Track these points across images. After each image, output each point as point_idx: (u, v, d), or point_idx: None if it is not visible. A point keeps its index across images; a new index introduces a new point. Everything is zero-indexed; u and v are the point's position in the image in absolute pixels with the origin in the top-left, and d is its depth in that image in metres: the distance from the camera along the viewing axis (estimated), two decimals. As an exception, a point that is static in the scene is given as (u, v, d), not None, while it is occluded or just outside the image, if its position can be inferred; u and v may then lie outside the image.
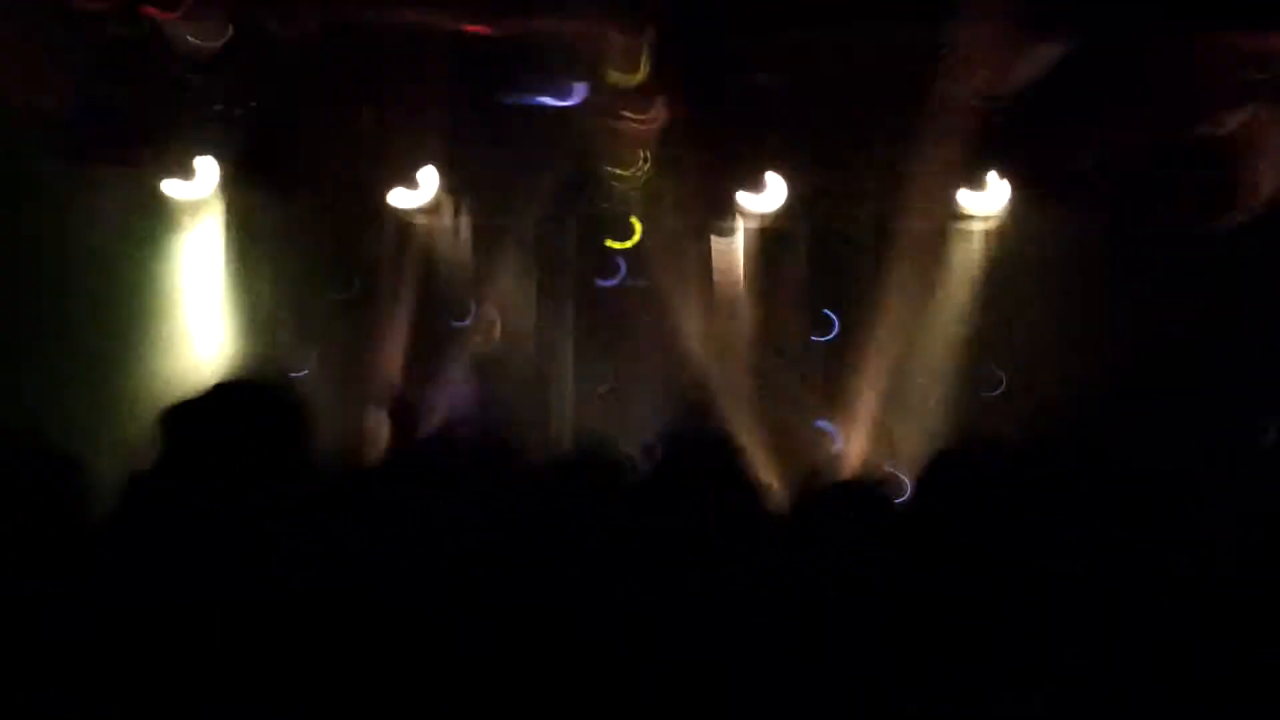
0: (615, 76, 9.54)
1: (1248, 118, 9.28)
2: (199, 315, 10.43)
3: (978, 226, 11.28)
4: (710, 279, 11.27)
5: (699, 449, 2.73)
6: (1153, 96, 9.19)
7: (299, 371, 10.24)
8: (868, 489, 3.10)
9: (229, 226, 10.62)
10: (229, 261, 10.61)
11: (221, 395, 2.91)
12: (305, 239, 10.67)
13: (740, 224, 11.16)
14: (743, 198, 10.86)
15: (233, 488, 2.56)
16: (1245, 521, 2.80)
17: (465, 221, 10.99)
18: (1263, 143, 9.39)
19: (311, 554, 2.50)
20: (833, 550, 2.84)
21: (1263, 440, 9.23)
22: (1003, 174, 10.55)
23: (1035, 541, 2.58)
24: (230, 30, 9.11)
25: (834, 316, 11.32)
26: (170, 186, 10.28)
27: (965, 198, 11.02)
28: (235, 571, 2.32)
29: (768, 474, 8.83)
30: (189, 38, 9.00)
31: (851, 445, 10.68)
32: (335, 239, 10.72)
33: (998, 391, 11.07)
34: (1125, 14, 7.97)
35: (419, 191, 10.65)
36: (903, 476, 9.02)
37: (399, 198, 10.63)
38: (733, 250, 11.25)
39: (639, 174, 10.60)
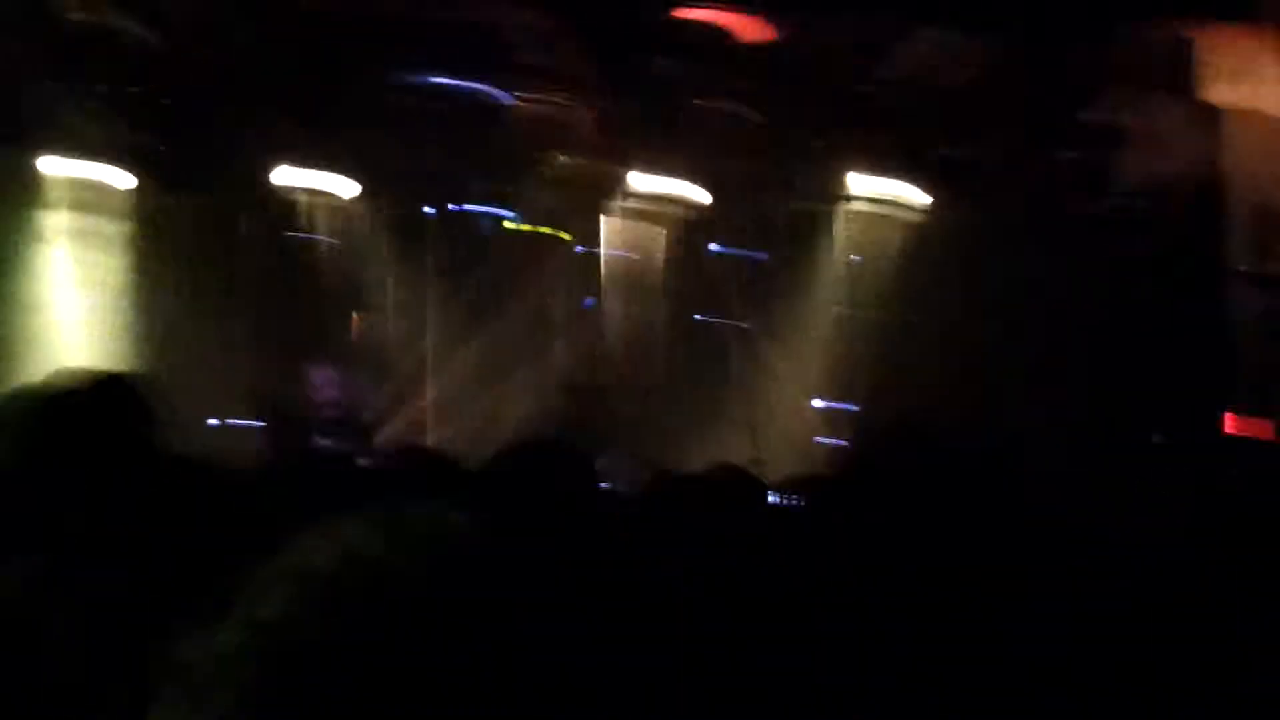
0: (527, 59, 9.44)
1: (1116, 107, 9.44)
2: (69, 305, 10.08)
3: (861, 211, 11.35)
4: (609, 264, 11.22)
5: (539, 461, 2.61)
6: (1028, 87, 9.30)
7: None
8: (722, 484, 3.03)
9: (109, 214, 10.29)
10: (105, 252, 10.27)
11: (57, 389, 2.76)
12: (189, 228, 10.37)
13: (629, 207, 11.12)
14: (652, 182, 10.79)
15: (67, 483, 2.42)
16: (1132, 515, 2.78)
17: (361, 209, 10.79)
18: (1132, 131, 9.55)
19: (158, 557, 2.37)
20: (688, 548, 2.76)
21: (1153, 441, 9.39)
22: (887, 158, 10.61)
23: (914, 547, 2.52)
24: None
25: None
26: (49, 165, 9.88)
27: (853, 182, 11.09)
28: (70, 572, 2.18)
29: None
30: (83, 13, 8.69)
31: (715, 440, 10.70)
32: (222, 227, 10.42)
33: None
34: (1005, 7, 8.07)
35: (311, 176, 10.42)
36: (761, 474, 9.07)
37: (288, 180, 10.39)
38: (637, 235, 11.20)
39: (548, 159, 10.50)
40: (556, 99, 10.02)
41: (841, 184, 11.16)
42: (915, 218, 10.99)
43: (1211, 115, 8.70)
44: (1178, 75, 8.90)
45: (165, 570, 2.37)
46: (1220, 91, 8.58)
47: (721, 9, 9.32)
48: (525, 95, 9.99)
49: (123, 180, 9.99)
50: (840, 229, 11.34)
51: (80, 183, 10.08)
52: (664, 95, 9.90)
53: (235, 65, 9.31)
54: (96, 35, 8.93)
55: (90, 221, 10.27)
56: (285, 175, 10.46)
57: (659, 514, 2.83)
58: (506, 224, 10.94)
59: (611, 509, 2.75)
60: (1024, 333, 10.25)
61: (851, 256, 11.30)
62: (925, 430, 2.66)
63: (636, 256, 11.20)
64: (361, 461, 8.99)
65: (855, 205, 11.30)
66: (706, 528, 2.79)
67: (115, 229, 10.31)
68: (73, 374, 2.83)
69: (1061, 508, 2.79)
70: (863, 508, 2.61)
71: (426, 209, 10.91)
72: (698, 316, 11.37)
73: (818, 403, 11.03)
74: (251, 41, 9.20)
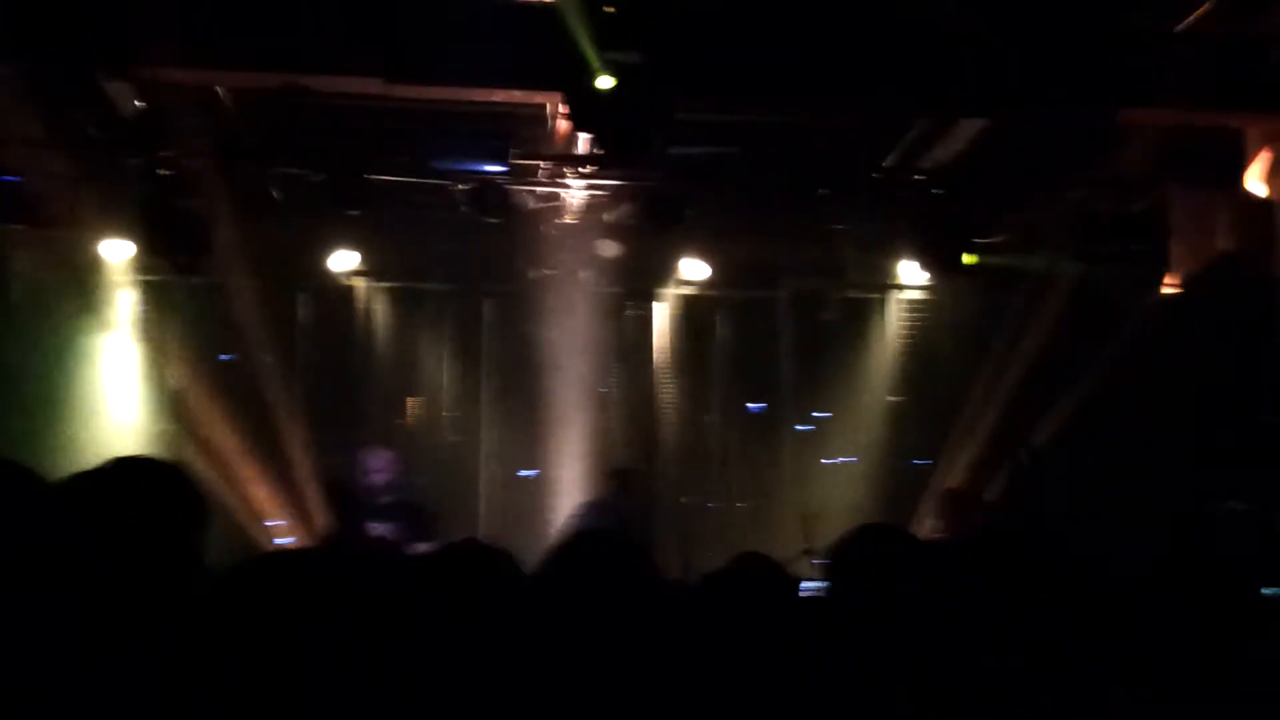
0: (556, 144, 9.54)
1: (1159, 197, 9.44)
2: (116, 382, 10.25)
3: (906, 299, 11.38)
4: (642, 347, 11.25)
5: (599, 549, 2.60)
6: (1070, 175, 9.32)
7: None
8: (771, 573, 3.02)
9: (147, 294, 10.48)
10: (147, 331, 10.46)
11: (123, 470, 2.81)
12: (223, 310, 10.53)
13: (673, 292, 11.18)
14: (682, 265, 10.85)
15: (121, 567, 2.46)
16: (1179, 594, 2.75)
17: (386, 292, 10.91)
18: (1175, 221, 9.53)
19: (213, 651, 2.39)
20: (743, 638, 2.75)
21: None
22: (929, 248, 10.62)
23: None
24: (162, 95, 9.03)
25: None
26: (107, 249, 10.13)
27: (898, 269, 11.13)
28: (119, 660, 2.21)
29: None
30: (133, 101, 8.88)
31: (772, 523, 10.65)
32: (258, 308, 10.56)
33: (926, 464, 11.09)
34: (1041, 93, 8.09)
35: (343, 260, 10.57)
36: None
37: (325, 265, 10.55)
38: (666, 318, 11.25)
39: (568, 242, 10.58)
40: (600, 183, 10.12)
41: (891, 271, 11.21)
42: (965, 305, 10.99)
43: (1263, 209, 8.67)
44: (1228, 168, 8.88)
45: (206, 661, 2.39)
46: (1271, 185, 8.54)
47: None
48: (565, 182, 10.09)
49: (174, 266, 10.17)
50: (890, 316, 11.37)
51: (135, 268, 10.29)
52: (706, 180, 9.98)
53: (279, 151, 9.49)
54: (153, 121, 9.11)
55: (145, 308, 10.47)
56: (340, 261, 10.61)
57: (697, 610, 2.83)
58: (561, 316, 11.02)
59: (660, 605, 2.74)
60: (1076, 418, 10.20)
61: (903, 343, 11.31)
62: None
63: (685, 342, 11.24)
64: (420, 548, 9.07)
65: (904, 293, 11.34)
66: (735, 622, 2.78)
67: (169, 315, 10.50)
68: (130, 460, 2.87)
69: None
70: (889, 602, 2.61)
71: (481, 294, 11.01)
72: (750, 406, 11.38)
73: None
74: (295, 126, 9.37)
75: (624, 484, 9.60)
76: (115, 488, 2.74)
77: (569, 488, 10.38)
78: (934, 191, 10.11)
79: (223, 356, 10.50)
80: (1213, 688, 2.29)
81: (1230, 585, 2.48)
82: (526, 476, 10.73)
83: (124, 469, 2.82)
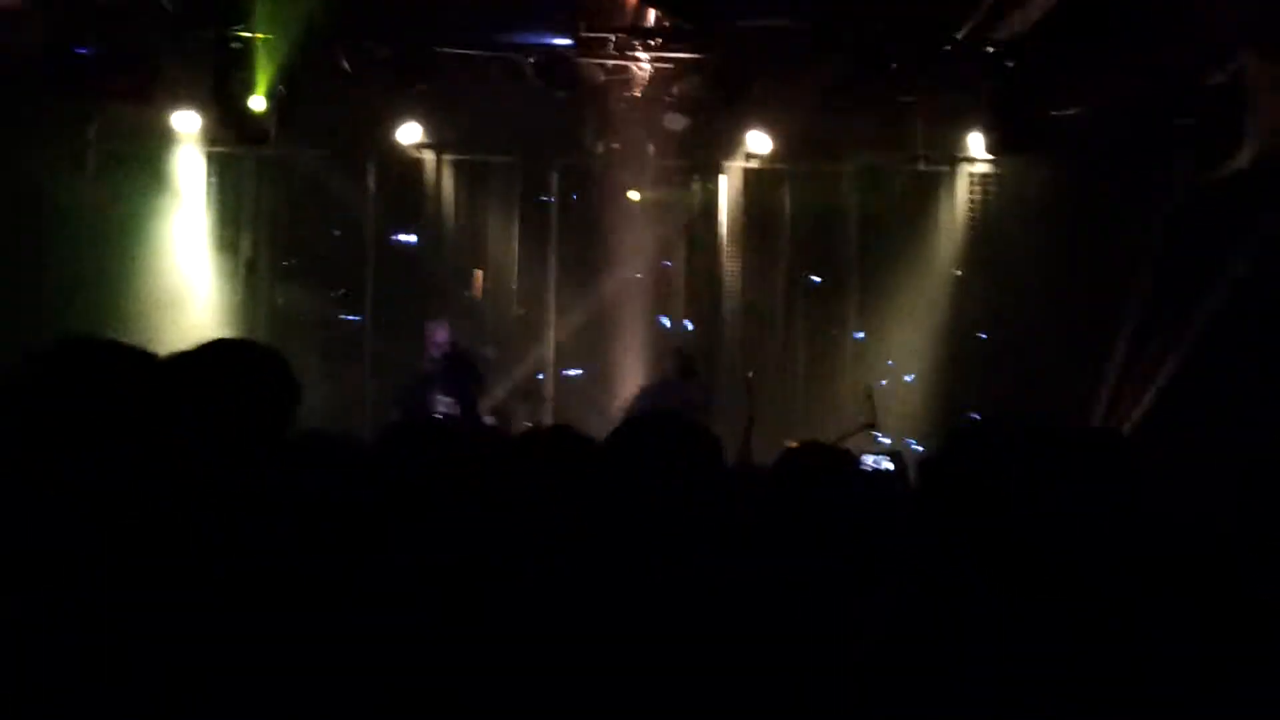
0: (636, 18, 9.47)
1: (1239, 69, 9.23)
2: (186, 253, 10.42)
3: (975, 172, 11.27)
4: (709, 220, 11.25)
5: (659, 428, 2.64)
6: (1147, 46, 9.13)
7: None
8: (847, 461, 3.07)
9: (217, 167, 10.59)
10: (216, 203, 10.59)
11: (216, 353, 2.90)
12: (292, 183, 10.64)
13: (740, 165, 11.13)
14: (749, 138, 10.79)
15: (222, 448, 2.57)
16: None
17: (453, 165, 10.95)
18: (1255, 94, 9.33)
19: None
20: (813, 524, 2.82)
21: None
22: (1001, 121, 10.49)
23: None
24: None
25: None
26: (179, 121, 10.24)
27: (968, 142, 11.01)
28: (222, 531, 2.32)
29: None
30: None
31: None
32: (325, 182, 10.66)
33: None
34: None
35: (410, 133, 10.60)
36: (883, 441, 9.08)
37: (389, 139, 10.59)
38: (732, 191, 11.22)
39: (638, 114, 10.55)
40: (668, 58, 10.06)
41: (959, 144, 11.09)
42: (1033, 180, 10.87)
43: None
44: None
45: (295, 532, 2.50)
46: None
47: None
48: (633, 56, 10.03)
49: (244, 138, 10.26)
50: (959, 190, 11.28)
51: (206, 140, 10.39)
52: (775, 52, 9.87)
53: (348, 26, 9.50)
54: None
55: (218, 177, 10.59)
56: (410, 133, 10.65)
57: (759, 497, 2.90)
58: (628, 190, 11.00)
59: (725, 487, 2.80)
60: (1131, 302, 10.14)
61: (968, 219, 11.24)
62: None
63: (750, 217, 11.22)
64: (487, 420, 9.24)
65: (971, 167, 11.23)
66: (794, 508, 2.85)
67: (241, 184, 10.62)
68: (223, 343, 2.96)
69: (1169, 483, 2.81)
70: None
71: (550, 169, 11.03)
72: (814, 278, 11.37)
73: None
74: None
75: (681, 366, 9.67)
76: (214, 369, 2.83)
77: (632, 361, 10.50)
78: (1007, 64, 9.97)
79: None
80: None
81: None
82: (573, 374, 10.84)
83: (222, 351, 2.91)
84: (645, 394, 9.47)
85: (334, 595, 2.32)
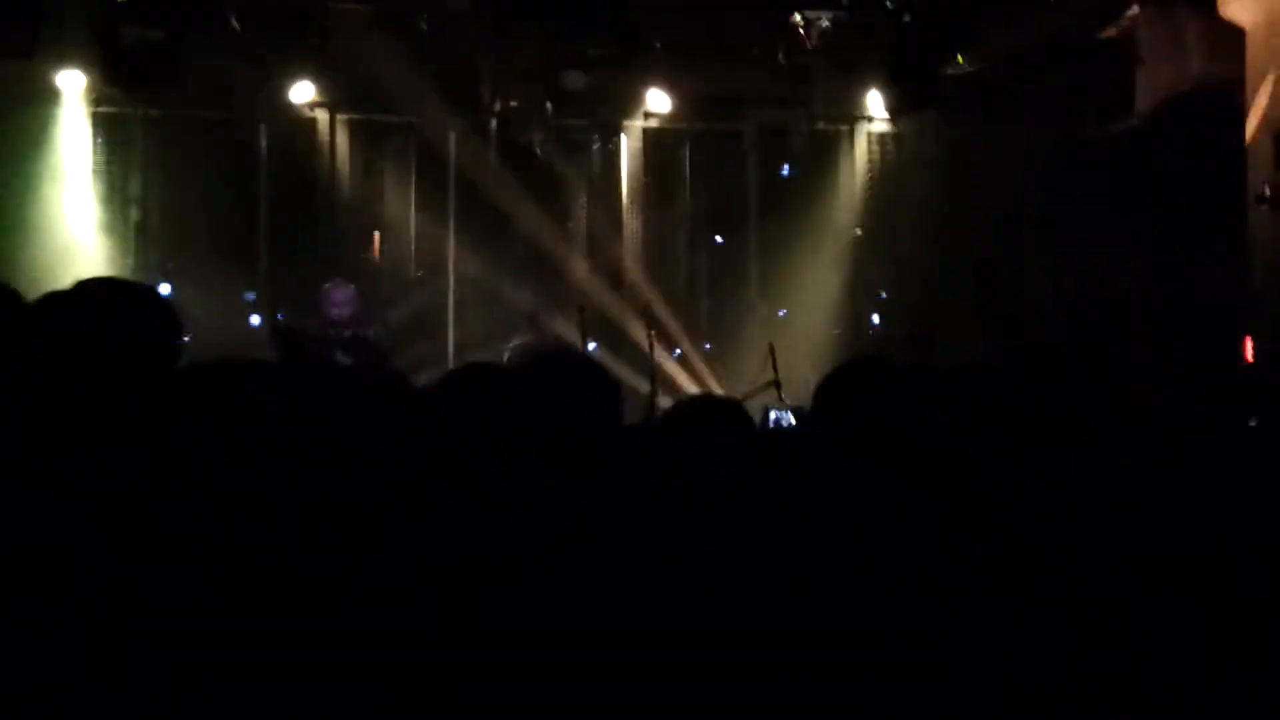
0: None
1: (1131, 22, 9.33)
2: (74, 216, 10.14)
3: (874, 131, 11.31)
4: (609, 179, 11.18)
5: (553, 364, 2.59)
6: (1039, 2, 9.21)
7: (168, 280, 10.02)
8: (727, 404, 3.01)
9: (104, 127, 10.30)
10: (103, 164, 10.30)
11: (88, 292, 2.78)
12: (182, 143, 10.37)
13: (640, 124, 11.07)
14: (650, 97, 10.73)
15: (97, 385, 2.46)
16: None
17: (347, 125, 10.74)
18: (1148, 47, 9.44)
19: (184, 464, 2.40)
20: (699, 467, 2.76)
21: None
22: (898, 79, 10.54)
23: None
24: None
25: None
26: (63, 80, 9.93)
27: (867, 101, 11.04)
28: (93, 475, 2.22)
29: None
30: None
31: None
32: (215, 142, 10.40)
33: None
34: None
35: (301, 92, 10.38)
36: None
37: (281, 98, 10.36)
38: (632, 150, 11.15)
39: (536, 72, 10.43)
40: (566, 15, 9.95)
41: (858, 103, 11.12)
42: (930, 137, 10.94)
43: (1233, 32, 8.60)
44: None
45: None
46: (1244, 10, 8.46)
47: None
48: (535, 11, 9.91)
49: (135, 95, 9.98)
50: (857, 149, 11.31)
51: (91, 99, 10.11)
52: (674, 9, 9.82)
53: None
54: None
55: (105, 137, 10.30)
56: (303, 92, 10.42)
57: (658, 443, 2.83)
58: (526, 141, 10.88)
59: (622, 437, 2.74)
60: (1031, 253, 10.24)
61: (867, 178, 11.29)
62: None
63: (651, 177, 11.17)
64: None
65: (870, 126, 11.26)
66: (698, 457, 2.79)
67: (129, 145, 10.35)
68: (98, 281, 2.86)
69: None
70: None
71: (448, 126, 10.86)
72: (716, 238, 11.35)
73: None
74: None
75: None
76: (89, 306, 2.73)
77: (535, 319, 10.39)
78: (904, 20, 10.00)
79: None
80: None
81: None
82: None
83: (92, 290, 2.80)
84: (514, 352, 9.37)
85: (333, 594, 2.24)
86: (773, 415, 8.32)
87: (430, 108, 10.56)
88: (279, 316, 9.47)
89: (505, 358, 9.17)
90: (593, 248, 11.16)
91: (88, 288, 2.81)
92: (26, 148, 9.98)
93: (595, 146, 11.21)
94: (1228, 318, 8.53)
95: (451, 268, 10.88)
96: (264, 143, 10.58)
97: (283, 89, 10.34)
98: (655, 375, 9.02)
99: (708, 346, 11.13)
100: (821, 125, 11.30)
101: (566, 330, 9.89)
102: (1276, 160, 8.32)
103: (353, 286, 8.91)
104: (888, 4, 9.85)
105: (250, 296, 10.50)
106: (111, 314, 2.71)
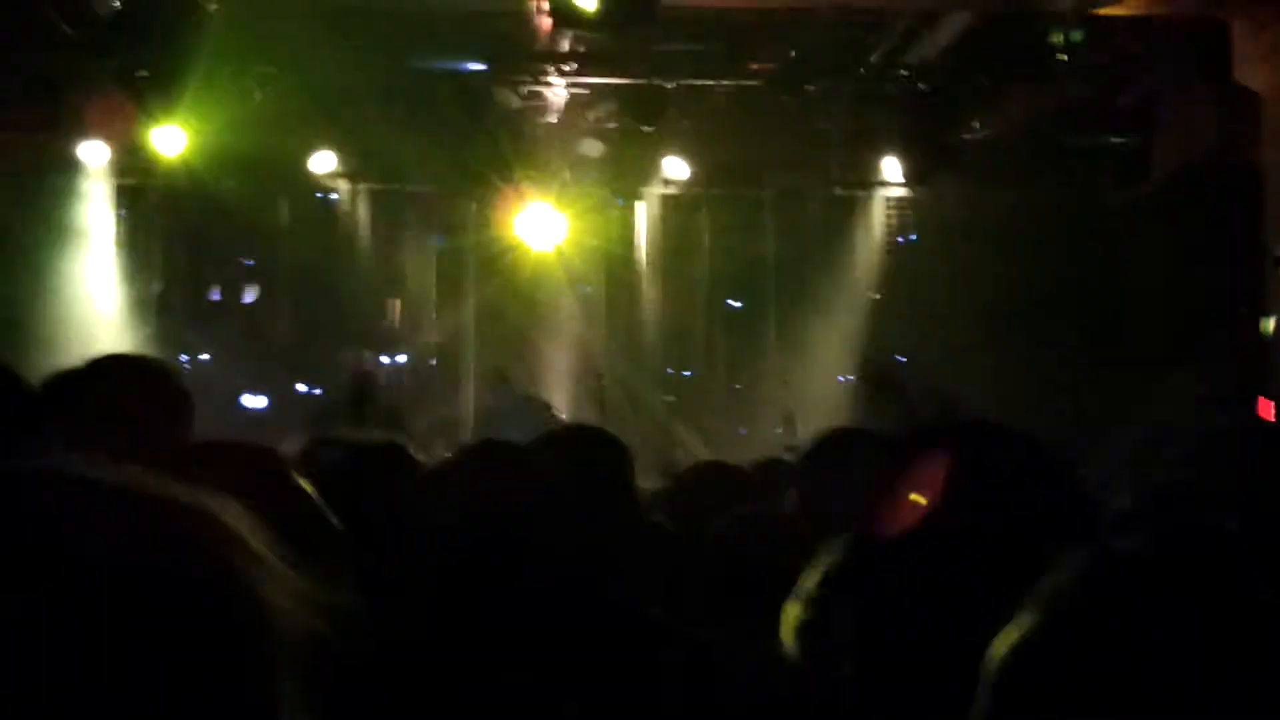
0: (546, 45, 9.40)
1: (1149, 90, 9.36)
2: (95, 287, 10.19)
3: (891, 196, 11.33)
4: (627, 246, 11.21)
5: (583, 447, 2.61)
6: (1056, 68, 9.23)
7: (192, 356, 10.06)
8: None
9: (127, 200, 10.38)
10: (124, 236, 10.38)
11: (103, 369, 2.80)
12: (208, 213, 10.43)
13: (657, 191, 11.11)
14: (666, 164, 10.76)
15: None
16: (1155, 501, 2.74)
17: (368, 197, 10.81)
18: (1164, 115, 9.46)
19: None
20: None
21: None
22: (914, 144, 10.55)
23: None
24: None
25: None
26: (85, 152, 10.03)
27: (883, 166, 11.06)
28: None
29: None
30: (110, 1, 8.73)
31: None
32: (237, 212, 10.47)
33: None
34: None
35: (323, 162, 10.44)
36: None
37: (306, 168, 10.43)
38: (649, 217, 11.19)
39: (554, 142, 10.49)
40: (581, 84, 10.01)
41: (875, 169, 11.14)
42: (948, 203, 10.95)
43: (1249, 100, 8.61)
44: (1216, 59, 8.80)
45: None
46: (1259, 75, 8.47)
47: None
48: (546, 81, 9.97)
49: (161, 167, 10.07)
50: (873, 214, 11.34)
51: (113, 171, 10.20)
52: (690, 77, 9.86)
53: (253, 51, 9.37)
54: (130, 21, 8.98)
55: (128, 210, 10.38)
56: (321, 163, 10.49)
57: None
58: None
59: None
60: (1056, 317, 10.20)
61: (884, 242, 11.30)
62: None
63: (669, 243, 11.20)
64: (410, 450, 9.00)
65: (886, 191, 11.29)
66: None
67: (152, 217, 10.43)
68: (110, 359, 2.87)
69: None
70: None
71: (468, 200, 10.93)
72: (733, 303, 11.36)
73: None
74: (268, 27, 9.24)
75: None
76: (95, 385, 2.73)
77: (554, 384, 10.40)
78: (920, 87, 10.02)
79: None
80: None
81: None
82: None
83: (104, 367, 2.81)
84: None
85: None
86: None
87: (450, 176, 10.64)
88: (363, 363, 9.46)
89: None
90: (611, 316, 11.18)
91: (99, 365, 2.82)
92: (48, 219, 10.06)
93: (613, 213, 11.26)
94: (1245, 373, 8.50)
95: (473, 333, 10.92)
96: (285, 213, 10.65)
97: (304, 159, 10.41)
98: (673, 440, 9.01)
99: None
100: (838, 191, 11.33)
101: (581, 398, 9.89)
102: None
103: (372, 355, 9.01)
104: (903, 72, 9.88)
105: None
106: (120, 391, 2.72)
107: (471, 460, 2.77)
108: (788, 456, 9.12)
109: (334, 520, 2.28)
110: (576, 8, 7.62)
